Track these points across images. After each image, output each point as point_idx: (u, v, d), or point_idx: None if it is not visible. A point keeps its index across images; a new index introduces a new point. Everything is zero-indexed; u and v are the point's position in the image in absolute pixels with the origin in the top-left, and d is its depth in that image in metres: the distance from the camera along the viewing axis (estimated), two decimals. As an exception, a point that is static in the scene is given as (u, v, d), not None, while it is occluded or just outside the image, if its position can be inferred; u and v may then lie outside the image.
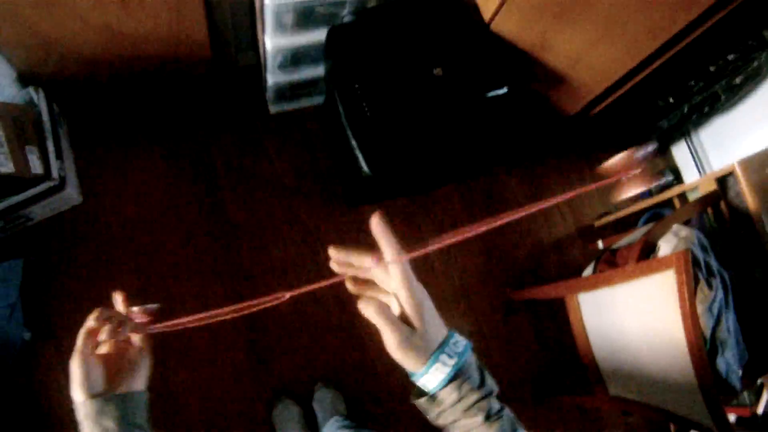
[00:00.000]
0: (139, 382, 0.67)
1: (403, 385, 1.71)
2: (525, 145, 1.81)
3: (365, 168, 1.35)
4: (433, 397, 0.56)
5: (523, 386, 1.85)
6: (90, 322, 0.64)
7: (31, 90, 1.63)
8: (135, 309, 0.69)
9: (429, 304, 0.57)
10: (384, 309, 0.55)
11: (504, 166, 1.95)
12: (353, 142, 1.37)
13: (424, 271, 1.82)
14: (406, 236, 1.83)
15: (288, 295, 0.60)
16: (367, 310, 0.55)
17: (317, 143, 1.91)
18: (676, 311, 1.22)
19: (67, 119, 1.77)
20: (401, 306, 0.55)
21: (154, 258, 1.77)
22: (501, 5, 1.50)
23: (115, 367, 0.65)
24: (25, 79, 1.63)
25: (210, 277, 1.78)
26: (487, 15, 1.56)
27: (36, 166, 1.56)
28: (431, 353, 0.55)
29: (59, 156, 1.60)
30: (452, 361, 0.55)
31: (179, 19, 1.49)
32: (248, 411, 1.69)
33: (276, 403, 1.64)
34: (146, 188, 1.82)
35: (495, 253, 1.90)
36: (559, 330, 1.82)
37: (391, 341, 0.54)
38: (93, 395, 0.61)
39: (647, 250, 1.54)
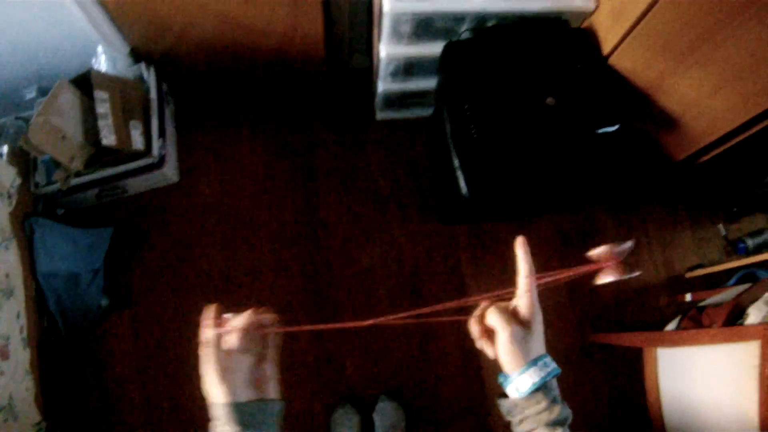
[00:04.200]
0: (271, 388, 0.72)
1: (465, 412, 1.77)
2: (627, 186, 1.83)
3: (464, 190, 1.42)
4: (521, 401, 0.67)
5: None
6: (211, 331, 0.68)
7: (142, 66, 1.76)
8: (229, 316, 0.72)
9: (541, 320, 0.69)
10: (505, 310, 0.69)
11: (603, 204, 1.97)
12: (456, 162, 1.43)
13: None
14: (495, 260, 1.90)
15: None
16: (491, 311, 0.69)
17: (418, 155, 2.02)
18: (754, 388, 1.20)
19: (174, 99, 1.90)
20: (518, 313, 0.69)
21: (240, 246, 1.91)
22: (622, 40, 1.55)
23: (246, 374, 0.70)
24: (137, 55, 1.77)
25: (294, 271, 1.90)
26: (606, 48, 1.60)
27: (138, 142, 1.69)
28: (530, 359, 0.67)
29: (162, 134, 1.72)
30: (544, 373, 0.67)
31: (296, 16, 1.59)
32: (307, 409, 1.79)
33: (337, 407, 1.74)
34: (243, 176, 1.97)
35: (579, 291, 1.94)
36: (631, 381, 1.84)
37: (507, 335, 0.66)
38: (235, 399, 0.66)
39: (735, 315, 1.53)
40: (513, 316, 0.68)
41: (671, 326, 1.75)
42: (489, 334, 0.70)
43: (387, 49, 1.57)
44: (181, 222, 1.90)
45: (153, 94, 1.73)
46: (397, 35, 1.53)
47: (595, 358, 1.90)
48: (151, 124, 1.71)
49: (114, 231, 1.79)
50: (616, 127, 1.54)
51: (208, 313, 0.70)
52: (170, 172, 1.83)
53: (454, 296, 1.79)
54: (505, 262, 1.87)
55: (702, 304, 1.75)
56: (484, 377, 1.84)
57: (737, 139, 1.69)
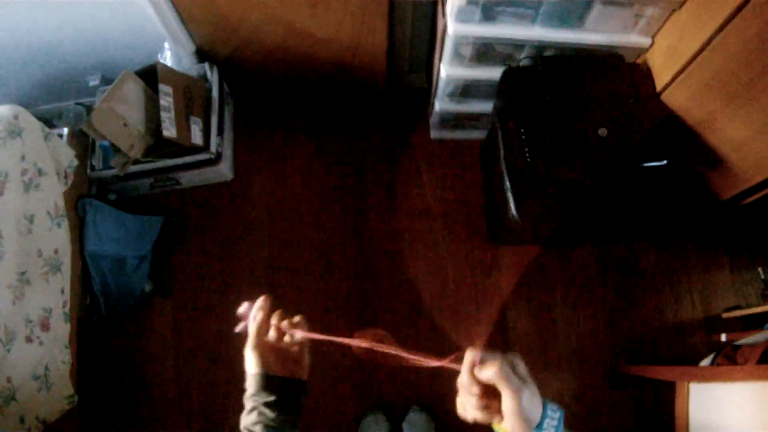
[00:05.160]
0: (301, 372, 0.86)
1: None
2: (672, 222, 1.87)
3: (514, 212, 1.47)
4: None
5: (605, 464, 1.90)
6: (259, 316, 0.82)
7: (206, 65, 1.85)
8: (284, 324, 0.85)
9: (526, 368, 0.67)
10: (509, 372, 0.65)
11: (646, 238, 2.01)
12: (507, 184, 1.49)
13: (544, 327, 1.95)
14: (537, 283, 1.98)
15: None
16: (496, 368, 0.65)
17: (470, 176, 2.09)
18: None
19: (234, 100, 1.99)
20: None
21: (287, 247, 1.99)
22: (675, 77, 1.59)
23: (282, 356, 0.83)
24: (202, 54, 1.86)
25: (338, 276, 1.97)
26: (659, 84, 1.65)
27: (196, 137, 1.77)
28: (541, 412, 0.64)
29: (220, 132, 1.81)
30: (557, 417, 0.64)
31: (362, 31, 1.67)
32: (338, 413, 1.84)
33: (367, 414, 1.79)
34: (295, 181, 2.05)
35: (619, 324, 1.98)
36: (660, 416, 1.86)
37: (521, 398, 0.63)
38: (267, 371, 0.78)
39: (771, 354, 1.55)
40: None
41: (705, 362, 1.77)
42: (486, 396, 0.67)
43: (447, 70, 1.64)
44: (230, 219, 1.99)
45: (215, 93, 1.82)
46: (458, 57, 1.61)
47: (625, 389, 1.92)
48: (210, 121, 1.80)
49: (165, 221, 1.88)
50: (664, 162, 1.59)
51: (263, 303, 0.83)
52: (225, 170, 1.92)
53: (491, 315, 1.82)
54: (545, 287, 1.95)
55: (738, 342, 1.78)
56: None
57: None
